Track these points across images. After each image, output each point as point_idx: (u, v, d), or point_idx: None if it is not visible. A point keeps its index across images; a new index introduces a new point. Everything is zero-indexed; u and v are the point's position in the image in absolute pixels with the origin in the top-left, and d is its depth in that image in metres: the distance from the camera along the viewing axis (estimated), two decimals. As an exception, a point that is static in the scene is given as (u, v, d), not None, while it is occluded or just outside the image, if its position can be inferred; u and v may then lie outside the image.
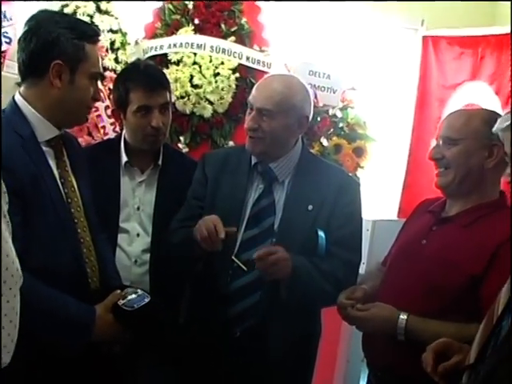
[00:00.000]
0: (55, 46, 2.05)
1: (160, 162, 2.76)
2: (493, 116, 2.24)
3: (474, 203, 2.23)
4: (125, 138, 2.77)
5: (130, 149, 2.75)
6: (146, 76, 2.71)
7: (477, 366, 1.53)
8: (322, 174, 2.53)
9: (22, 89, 2.13)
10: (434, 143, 2.35)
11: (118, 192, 2.70)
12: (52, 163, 2.11)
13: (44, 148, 2.10)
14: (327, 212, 2.42)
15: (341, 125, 3.99)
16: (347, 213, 2.47)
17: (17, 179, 1.91)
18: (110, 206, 2.65)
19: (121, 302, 2.11)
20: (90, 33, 2.16)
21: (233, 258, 2.38)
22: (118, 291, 2.16)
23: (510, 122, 1.70)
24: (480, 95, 4.08)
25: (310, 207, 2.42)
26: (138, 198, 2.73)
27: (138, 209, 2.72)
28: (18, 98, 2.11)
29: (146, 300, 2.14)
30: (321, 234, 2.37)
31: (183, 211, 2.59)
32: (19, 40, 2.12)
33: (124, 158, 2.74)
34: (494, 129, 1.80)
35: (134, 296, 2.14)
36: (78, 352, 2.01)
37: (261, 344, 2.37)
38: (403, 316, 2.11)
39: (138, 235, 2.71)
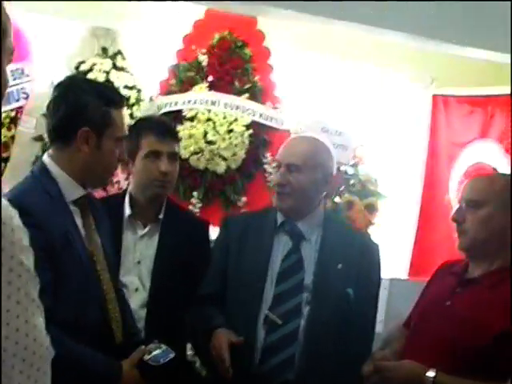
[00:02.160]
0: (83, 114, 2.11)
1: (161, 216, 2.78)
2: None
3: (498, 265, 2.26)
4: (130, 193, 2.81)
5: (135, 202, 2.78)
6: (158, 124, 2.84)
7: None
8: (345, 234, 2.63)
9: (50, 150, 2.19)
10: (456, 206, 2.40)
11: (119, 245, 2.71)
12: (78, 222, 2.16)
13: (71, 207, 2.14)
14: (354, 272, 2.49)
15: (352, 181, 4.04)
16: (371, 275, 2.57)
17: (48, 237, 1.96)
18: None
19: (146, 357, 2.14)
20: (116, 99, 2.25)
21: (266, 312, 2.42)
22: (143, 347, 2.19)
23: None
24: (489, 154, 4.14)
25: (340, 266, 2.48)
26: (138, 252, 2.74)
27: (139, 263, 2.73)
28: (46, 158, 2.17)
29: (171, 355, 2.17)
30: (350, 293, 2.45)
31: (208, 282, 2.62)
32: (48, 106, 2.20)
33: (127, 212, 2.77)
34: None
35: (158, 351, 2.17)
36: None
37: None
38: (431, 373, 2.12)
39: (136, 290, 2.70)
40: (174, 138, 2.83)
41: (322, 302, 2.44)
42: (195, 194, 3.98)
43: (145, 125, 2.83)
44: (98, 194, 3.73)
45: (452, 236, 4.39)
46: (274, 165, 2.63)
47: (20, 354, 1.23)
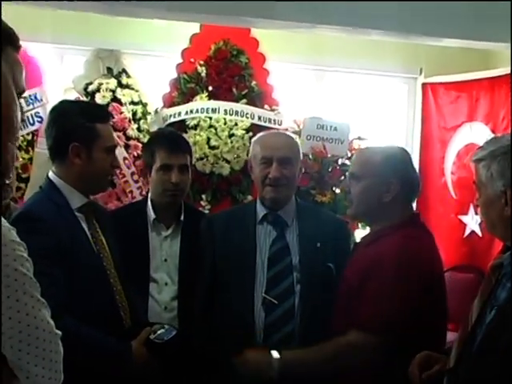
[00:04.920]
0: (71, 132, 2.42)
1: (182, 218, 3.08)
2: (393, 153, 2.56)
3: (376, 228, 2.57)
4: (151, 199, 3.11)
5: (156, 207, 3.09)
6: (169, 140, 3.12)
7: (456, 369, 1.79)
8: (317, 216, 2.88)
9: (53, 167, 2.51)
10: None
11: (148, 246, 3.04)
12: (84, 225, 2.47)
13: (77, 214, 2.46)
14: (331, 248, 2.74)
15: (350, 172, 4.23)
16: (345, 247, 2.82)
17: (58, 240, 2.28)
18: (141, 259, 2.97)
19: (152, 336, 2.44)
20: (100, 114, 2.56)
21: (263, 295, 2.67)
22: (148, 328, 2.49)
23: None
24: (478, 135, 4.34)
25: (318, 245, 2.73)
26: (164, 251, 3.05)
27: (166, 260, 3.04)
28: (51, 174, 2.49)
29: (174, 333, 2.46)
30: (332, 266, 2.69)
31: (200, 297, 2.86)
32: (45, 129, 2.52)
33: (152, 216, 3.08)
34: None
35: (162, 330, 2.47)
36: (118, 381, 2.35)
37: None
38: (276, 354, 2.42)
39: (166, 284, 3.02)
40: (184, 150, 3.10)
41: (310, 278, 2.68)
42: (204, 196, 4.26)
43: (157, 141, 3.14)
44: (114, 203, 4.09)
45: (448, 216, 4.64)
46: (262, 161, 2.77)
47: (25, 340, 1.49)
